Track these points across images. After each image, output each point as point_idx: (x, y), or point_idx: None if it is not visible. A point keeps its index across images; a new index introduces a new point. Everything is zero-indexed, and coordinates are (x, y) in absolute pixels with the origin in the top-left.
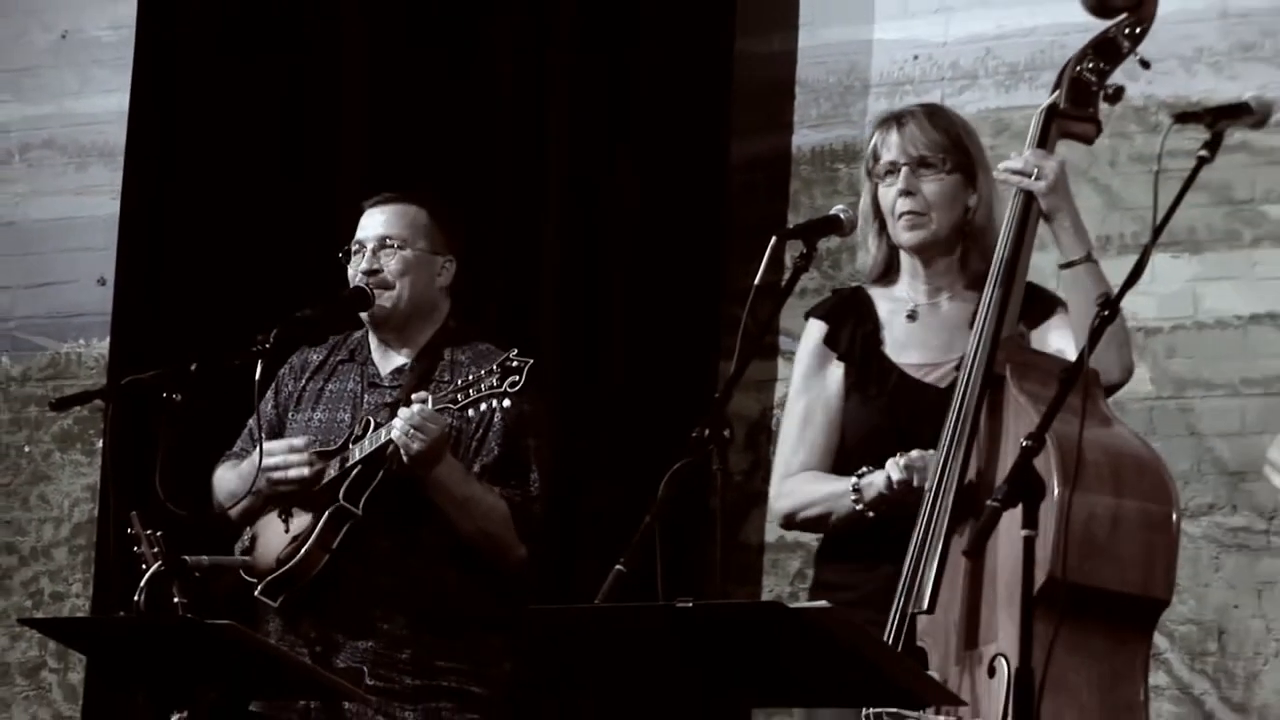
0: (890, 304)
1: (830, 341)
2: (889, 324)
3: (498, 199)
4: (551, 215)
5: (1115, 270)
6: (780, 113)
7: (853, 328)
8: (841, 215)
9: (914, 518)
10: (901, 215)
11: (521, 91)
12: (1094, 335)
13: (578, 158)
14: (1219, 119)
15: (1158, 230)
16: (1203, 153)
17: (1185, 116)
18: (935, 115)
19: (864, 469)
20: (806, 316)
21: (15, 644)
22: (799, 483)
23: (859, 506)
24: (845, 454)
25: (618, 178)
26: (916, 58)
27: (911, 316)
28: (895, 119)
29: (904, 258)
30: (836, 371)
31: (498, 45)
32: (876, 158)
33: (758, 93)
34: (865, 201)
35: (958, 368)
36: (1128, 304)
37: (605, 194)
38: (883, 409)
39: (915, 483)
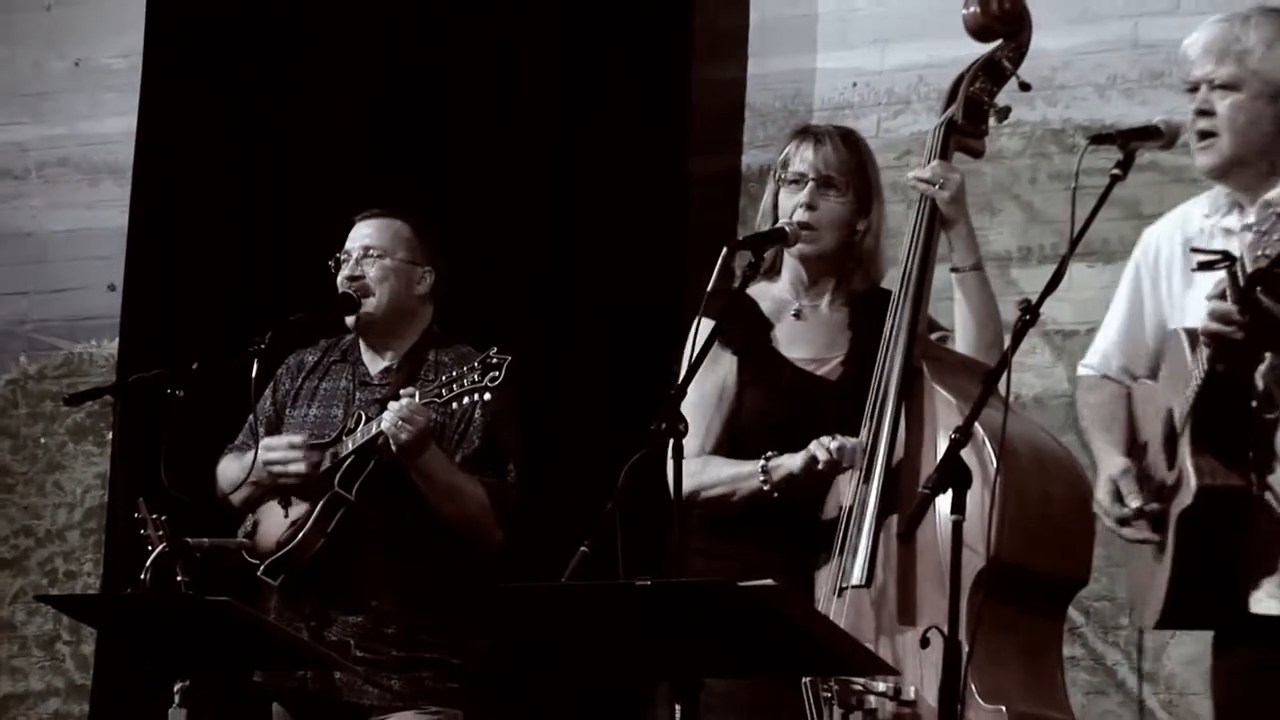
0: (773, 303)
1: (724, 339)
2: (776, 322)
3: (478, 210)
4: (526, 227)
5: (1036, 278)
6: (731, 134)
7: (744, 326)
8: (786, 228)
9: (806, 499)
10: (798, 224)
11: (502, 114)
12: (1016, 337)
13: (551, 175)
14: (1130, 140)
15: (1074, 242)
16: (1116, 171)
17: (1099, 138)
18: (849, 141)
19: (770, 453)
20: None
21: (32, 618)
22: (702, 464)
23: (766, 488)
24: (742, 440)
25: (587, 194)
26: (855, 85)
27: (798, 315)
28: (814, 136)
29: (788, 260)
30: (730, 365)
31: (476, 74)
32: (786, 164)
33: (712, 116)
34: (767, 200)
35: (843, 363)
36: (1047, 309)
37: (575, 208)
38: (779, 400)
39: (845, 465)
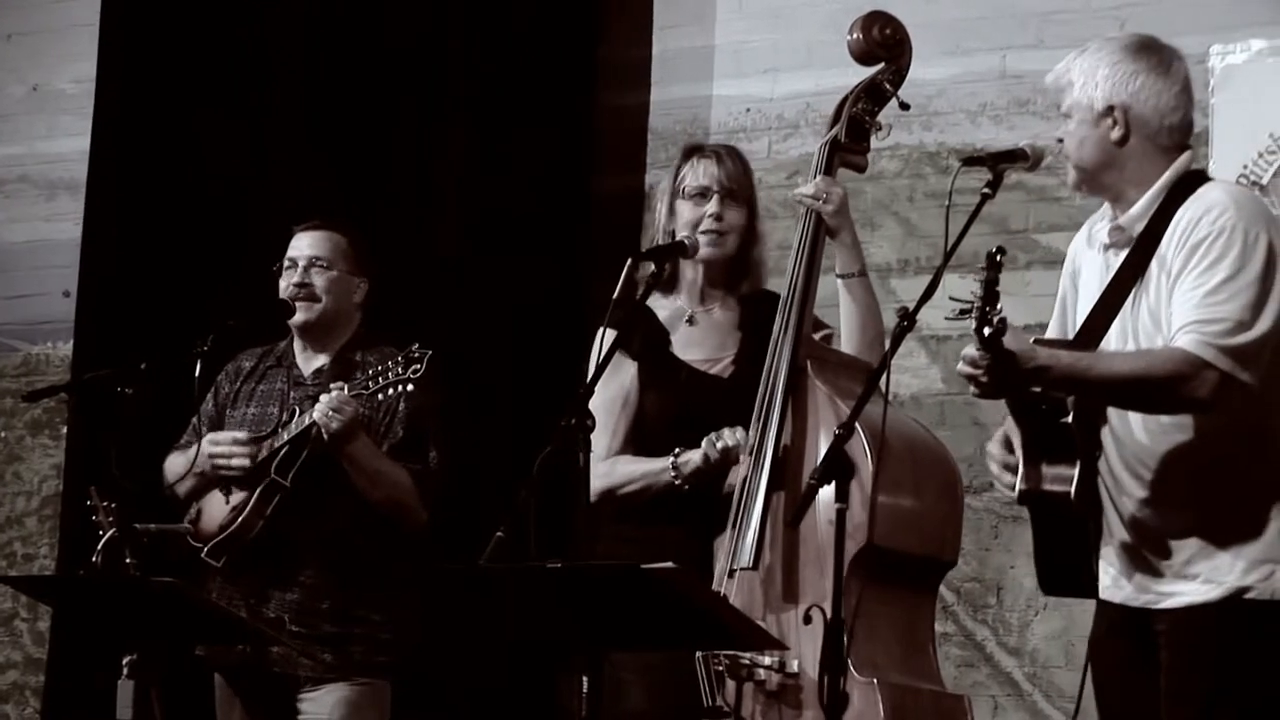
0: (668, 312)
1: (625, 347)
2: (672, 329)
3: (405, 226)
4: (447, 238)
5: (913, 288)
6: (636, 155)
7: (642, 335)
8: (686, 241)
9: (704, 488)
10: (706, 231)
11: (425, 140)
12: (895, 341)
13: (471, 193)
14: (999, 163)
15: (948, 254)
16: (986, 190)
17: (971, 160)
18: (739, 157)
19: (678, 449)
20: (603, 327)
21: None
22: (614, 464)
23: (678, 481)
24: (646, 439)
25: (502, 211)
26: (749, 110)
27: (690, 321)
28: (713, 153)
29: (687, 269)
30: (631, 370)
31: (407, 101)
32: (684, 180)
33: (617, 138)
34: (663, 215)
35: (734, 362)
36: (923, 315)
37: (491, 223)
38: (677, 400)
39: (733, 456)
